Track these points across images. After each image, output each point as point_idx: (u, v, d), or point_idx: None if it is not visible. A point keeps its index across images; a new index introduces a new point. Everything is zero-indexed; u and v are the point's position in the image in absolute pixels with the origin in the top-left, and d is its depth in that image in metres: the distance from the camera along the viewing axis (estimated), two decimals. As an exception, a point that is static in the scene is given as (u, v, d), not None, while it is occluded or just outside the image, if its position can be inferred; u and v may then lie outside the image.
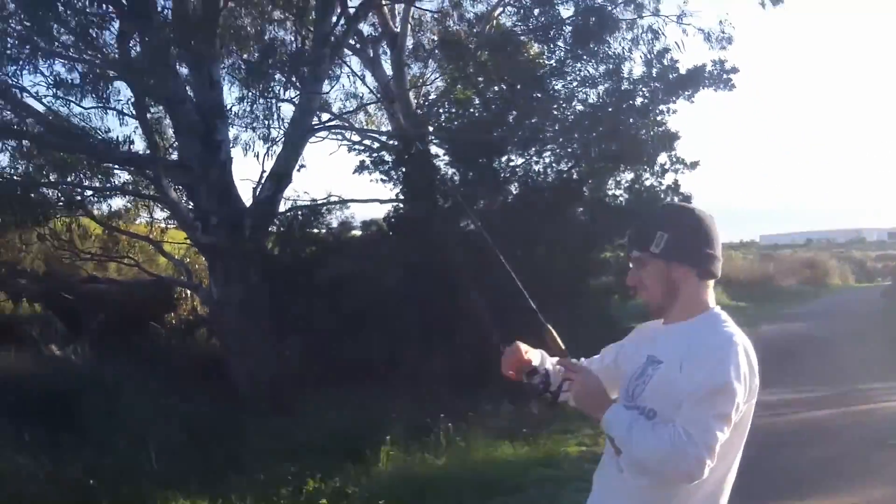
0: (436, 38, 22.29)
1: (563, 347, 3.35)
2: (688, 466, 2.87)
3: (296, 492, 9.33)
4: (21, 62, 13.96)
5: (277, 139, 16.85)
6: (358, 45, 21.51)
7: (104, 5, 14.03)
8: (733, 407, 2.92)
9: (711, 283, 3.27)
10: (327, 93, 19.98)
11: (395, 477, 9.64)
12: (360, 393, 13.66)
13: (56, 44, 14.34)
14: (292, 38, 18.49)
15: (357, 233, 21.15)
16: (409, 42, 22.49)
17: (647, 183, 19.08)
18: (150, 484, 9.86)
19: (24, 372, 16.80)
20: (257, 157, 19.92)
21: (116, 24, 14.72)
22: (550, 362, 3.47)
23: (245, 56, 18.56)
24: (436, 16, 22.64)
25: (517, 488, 9.18)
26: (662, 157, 18.84)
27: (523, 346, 3.45)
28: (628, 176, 19.34)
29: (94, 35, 14.64)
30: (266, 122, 16.84)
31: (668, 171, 18.94)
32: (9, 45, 13.88)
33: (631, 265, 3.36)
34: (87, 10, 13.85)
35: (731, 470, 3.18)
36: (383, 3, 19.86)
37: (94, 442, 11.52)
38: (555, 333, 3.36)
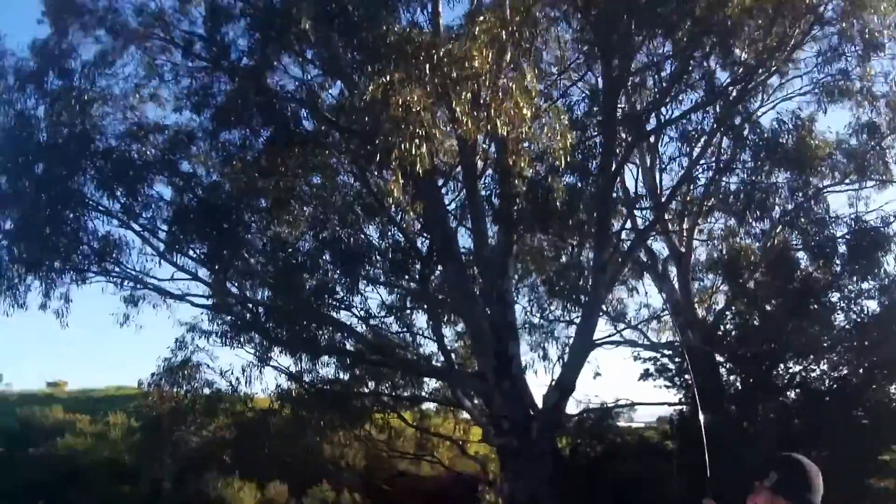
0: (723, 251, 23.42)
1: None
2: None
3: None
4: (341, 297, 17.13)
5: (556, 360, 19.18)
6: (648, 261, 23.28)
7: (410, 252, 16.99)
8: None
9: None
10: (609, 314, 22.01)
11: None
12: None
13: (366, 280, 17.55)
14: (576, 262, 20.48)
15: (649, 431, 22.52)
16: (700, 256, 24.05)
17: (934, 388, 19.07)
18: None
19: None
20: (535, 373, 22.01)
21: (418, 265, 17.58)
22: None
23: (537, 277, 20.99)
24: (722, 231, 23.76)
25: None
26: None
27: None
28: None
29: (400, 273, 17.64)
30: (545, 346, 19.30)
31: (955, 376, 18.86)
32: (330, 285, 17.12)
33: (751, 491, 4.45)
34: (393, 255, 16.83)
35: None
36: (670, 230, 21.65)
37: None
38: None
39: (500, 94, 11.35)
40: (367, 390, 19.78)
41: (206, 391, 18.72)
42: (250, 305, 17.85)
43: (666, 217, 20.55)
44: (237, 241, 16.63)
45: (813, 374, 19.69)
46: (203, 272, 17.36)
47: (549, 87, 16.51)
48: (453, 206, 17.82)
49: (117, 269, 17.07)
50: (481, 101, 11.33)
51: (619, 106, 17.65)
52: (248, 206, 17.12)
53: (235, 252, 16.71)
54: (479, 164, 16.55)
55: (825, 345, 19.23)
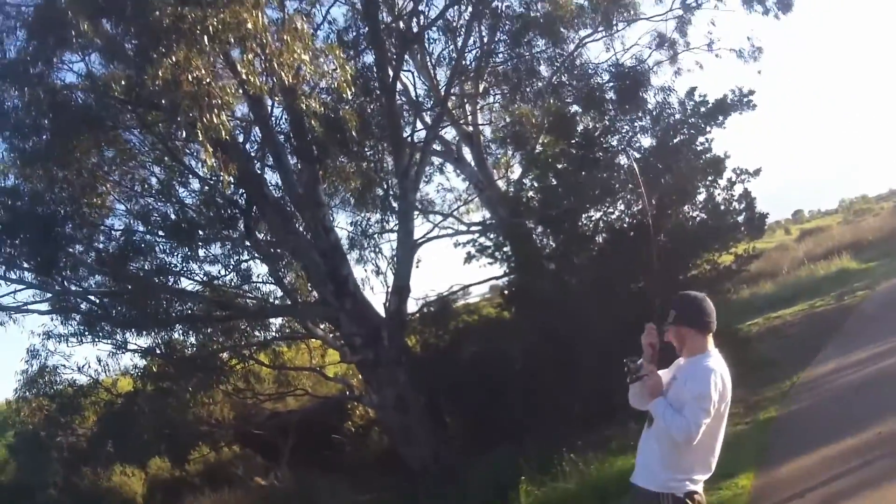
0: (507, 122, 24.94)
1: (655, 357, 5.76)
2: (687, 435, 5.18)
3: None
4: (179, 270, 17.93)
5: (387, 268, 20.73)
6: (444, 150, 24.65)
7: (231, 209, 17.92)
8: (711, 404, 5.22)
9: (709, 334, 5.58)
10: (424, 211, 23.34)
11: (533, 506, 12.36)
12: (508, 446, 16.25)
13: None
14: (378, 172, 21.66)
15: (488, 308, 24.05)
16: (488, 133, 25.68)
17: (720, 198, 20.77)
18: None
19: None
20: (372, 289, 23.33)
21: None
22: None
23: (347, 196, 22.16)
24: (502, 103, 25.13)
25: (627, 490, 11.45)
26: (728, 173, 20.53)
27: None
28: (701, 197, 20.95)
29: (228, 231, 18.51)
30: (375, 259, 20.96)
31: (736, 182, 20.59)
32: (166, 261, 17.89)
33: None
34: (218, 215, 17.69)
35: (714, 438, 5.44)
36: (456, 118, 23.00)
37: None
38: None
39: (278, 46, 12.21)
40: (220, 346, 20.45)
41: (70, 391, 18.92)
42: (92, 297, 18.32)
43: (450, 107, 21.74)
44: (60, 238, 16.87)
45: (613, 217, 21.14)
46: (39, 279, 17.55)
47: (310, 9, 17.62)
48: (257, 154, 18.71)
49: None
50: (263, 57, 12.17)
51: (381, 18, 18.82)
52: (57, 201, 17.38)
53: (61, 249, 16.97)
54: (272, 109, 17.52)
55: (616, 186, 20.65)
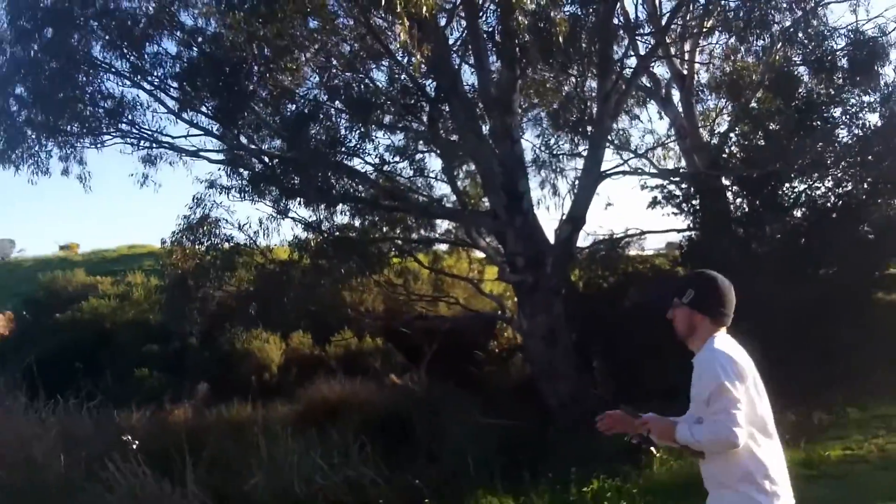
0: (725, 71, 23.37)
1: (638, 413, 5.03)
2: (728, 440, 4.43)
3: (584, 491, 11.27)
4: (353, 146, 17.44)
5: (566, 194, 19.64)
6: (651, 86, 23.31)
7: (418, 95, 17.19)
8: (733, 392, 4.40)
9: (722, 328, 4.79)
10: (615, 144, 22.19)
11: (663, 477, 11.43)
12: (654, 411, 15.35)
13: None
14: (579, 93, 20.63)
15: (660, 259, 22.94)
16: (703, 78, 24.09)
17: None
18: (467, 486, 12.17)
19: (369, 397, 19.88)
20: (547, 209, 22.40)
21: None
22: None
23: (543, 110, 21.17)
24: (723, 51, 23.65)
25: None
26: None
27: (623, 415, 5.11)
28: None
29: (410, 117, 17.80)
30: (554, 181, 19.79)
31: (959, 183, 18.93)
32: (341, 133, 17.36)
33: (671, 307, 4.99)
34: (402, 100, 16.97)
35: (758, 425, 4.57)
36: (671, 54, 21.58)
37: (424, 453, 14.09)
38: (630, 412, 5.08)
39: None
40: (382, 235, 20.08)
41: (226, 246, 19.03)
42: (265, 158, 18.16)
43: (667, 41, 20.44)
44: (246, 93, 16.68)
45: (818, 192, 19.81)
46: (216, 127, 17.68)
47: None
48: (457, 45, 17.92)
49: (133, 130, 17.45)
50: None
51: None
52: (252, 56, 17.03)
53: (245, 105, 16.84)
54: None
55: (829, 161, 19.24)
